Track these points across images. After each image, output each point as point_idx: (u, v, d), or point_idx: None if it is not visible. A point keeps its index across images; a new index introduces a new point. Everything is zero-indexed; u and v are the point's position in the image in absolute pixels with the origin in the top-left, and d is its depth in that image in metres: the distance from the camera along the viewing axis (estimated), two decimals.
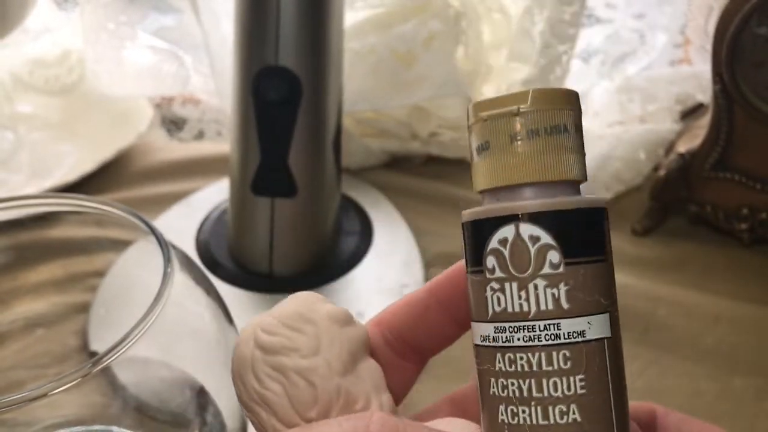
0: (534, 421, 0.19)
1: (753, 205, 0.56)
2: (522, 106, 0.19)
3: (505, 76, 0.68)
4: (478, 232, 0.20)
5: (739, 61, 0.52)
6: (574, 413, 0.19)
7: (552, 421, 0.19)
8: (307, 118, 0.49)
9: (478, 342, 0.20)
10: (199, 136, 0.77)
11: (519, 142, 0.19)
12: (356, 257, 0.55)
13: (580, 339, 0.19)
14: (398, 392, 0.24)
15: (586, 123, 0.69)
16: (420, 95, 0.62)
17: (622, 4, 0.69)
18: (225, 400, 0.31)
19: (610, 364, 0.19)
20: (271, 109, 0.48)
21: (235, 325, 0.32)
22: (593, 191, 0.61)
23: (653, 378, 0.48)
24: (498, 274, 0.19)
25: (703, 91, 0.64)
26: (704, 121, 0.57)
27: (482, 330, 0.20)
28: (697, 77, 0.65)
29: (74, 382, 0.23)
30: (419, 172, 0.67)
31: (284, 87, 0.48)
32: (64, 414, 0.33)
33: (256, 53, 0.48)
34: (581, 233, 0.19)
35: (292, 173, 0.50)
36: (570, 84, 0.68)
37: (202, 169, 0.68)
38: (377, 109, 0.65)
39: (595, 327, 0.19)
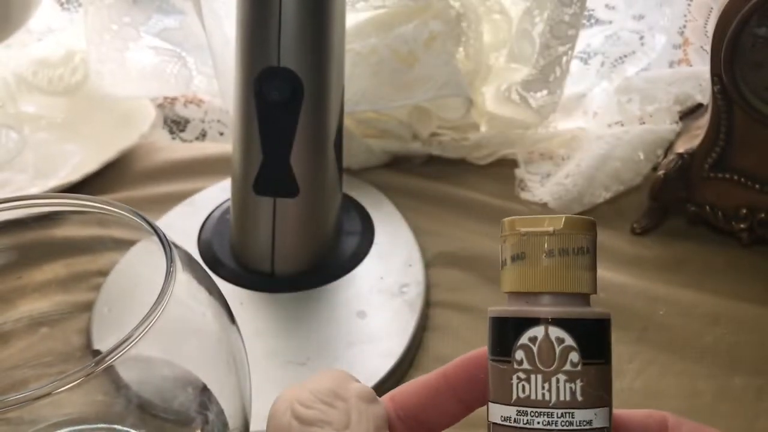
0: None
1: (752, 206, 0.56)
2: (557, 228, 0.23)
3: (505, 76, 0.68)
4: (509, 328, 0.23)
5: (739, 61, 0.52)
6: None
7: None
8: (308, 119, 0.49)
9: (498, 421, 0.23)
10: (202, 136, 0.77)
11: (551, 258, 0.23)
12: (357, 257, 0.55)
13: (587, 427, 0.23)
14: None
15: (586, 123, 0.69)
16: (421, 96, 0.63)
17: (622, 5, 0.69)
18: (227, 398, 0.31)
19: None
20: (273, 110, 0.49)
21: (237, 324, 0.32)
22: (592, 191, 0.61)
23: (652, 377, 0.48)
24: (525, 366, 0.23)
25: (702, 92, 0.64)
26: (703, 122, 0.57)
27: (504, 411, 0.23)
28: (696, 78, 0.65)
29: (78, 381, 0.23)
30: (420, 173, 0.68)
31: (286, 87, 0.48)
32: (68, 412, 0.33)
33: (258, 54, 0.48)
34: (595, 339, 0.23)
35: (294, 173, 0.50)
36: (570, 85, 0.69)
37: (204, 169, 0.68)
38: (378, 109, 0.65)
39: (599, 418, 0.23)
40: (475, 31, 0.64)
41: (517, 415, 0.23)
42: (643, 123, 0.65)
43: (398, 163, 0.69)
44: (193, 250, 0.55)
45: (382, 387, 0.45)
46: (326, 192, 0.53)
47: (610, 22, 0.70)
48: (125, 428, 0.33)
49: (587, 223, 0.24)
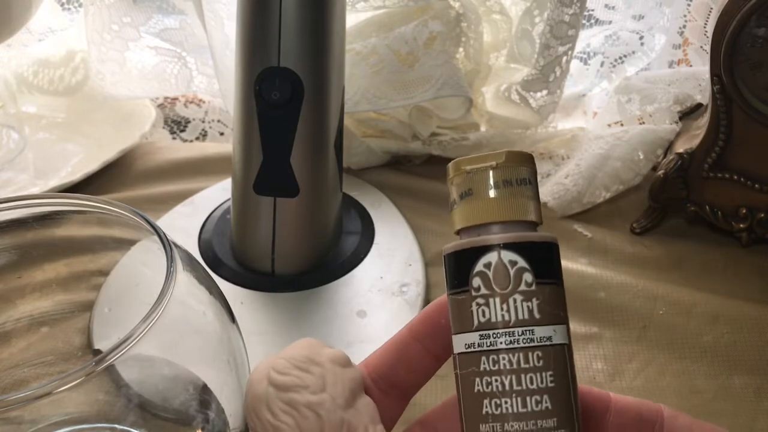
0: (515, 410, 0.23)
1: (751, 205, 0.56)
2: (499, 162, 0.24)
3: (505, 76, 0.68)
4: (463, 260, 0.24)
5: (738, 62, 0.52)
6: (546, 402, 0.23)
7: (529, 409, 0.23)
8: (308, 119, 0.49)
9: (462, 350, 0.24)
10: (202, 136, 0.77)
11: (497, 189, 0.24)
12: (357, 256, 0.55)
13: (548, 343, 0.24)
14: (386, 425, 0.28)
15: (586, 123, 0.69)
16: (421, 96, 0.63)
17: (622, 6, 0.69)
18: (227, 397, 0.31)
19: (569, 364, 0.24)
20: (274, 110, 0.49)
21: (237, 324, 0.32)
22: (592, 191, 0.61)
23: (652, 377, 0.48)
24: (483, 291, 0.24)
25: (702, 92, 0.64)
26: (703, 122, 0.57)
27: (467, 339, 0.24)
28: (695, 78, 0.65)
29: (78, 381, 0.23)
30: (420, 172, 0.68)
31: (286, 88, 0.48)
32: (69, 412, 0.34)
33: (259, 54, 0.48)
34: (545, 260, 0.24)
35: (294, 173, 0.50)
36: (570, 85, 0.69)
37: (205, 169, 0.68)
38: (378, 109, 0.65)
39: (558, 334, 0.24)
40: (475, 32, 0.64)
41: (480, 339, 0.24)
42: (643, 123, 0.65)
43: (398, 162, 0.69)
44: (194, 249, 0.56)
45: None
46: (326, 192, 0.53)
47: (610, 22, 0.71)
48: (126, 427, 0.33)
49: (527, 156, 0.25)
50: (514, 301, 0.23)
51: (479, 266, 0.24)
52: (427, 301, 0.53)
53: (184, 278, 0.28)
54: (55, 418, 0.33)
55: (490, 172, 0.24)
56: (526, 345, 0.23)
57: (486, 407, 0.23)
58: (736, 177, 0.56)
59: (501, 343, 0.23)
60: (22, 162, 0.69)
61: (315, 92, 0.49)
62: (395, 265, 0.55)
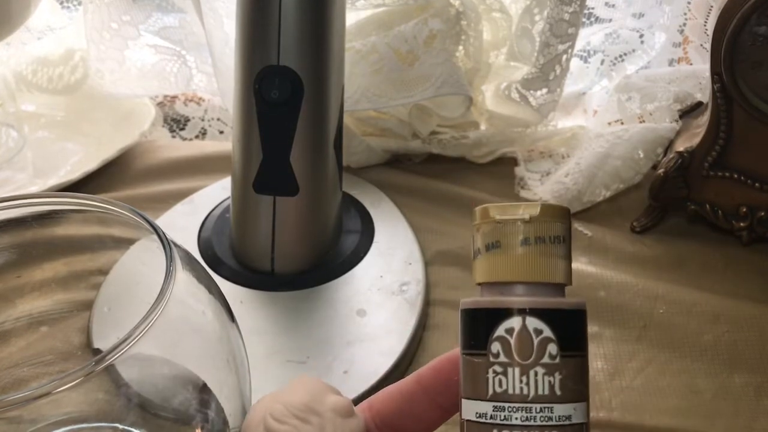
0: None
1: (752, 204, 0.56)
2: (533, 215, 0.22)
3: (505, 75, 0.68)
4: (483, 319, 0.23)
5: (738, 60, 0.52)
6: None
7: None
8: (308, 117, 0.49)
9: (472, 418, 0.22)
10: (202, 134, 0.77)
11: (527, 246, 0.22)
12: (357, 255, 0.55)
13: (566, 422, 0.22)
14: None
15: (586, 122, 0.69)
16: (421, 94, 0.63)
17: (622, 4, 0.69)
18: (227, 397, 0.31)
19: None
20: (273, 109, 0.49)
21: (236, 323, 0.32)
22: (592, 190, 0.61)
23: (652, 376, 0.48)
24: (502, 359, 0.22)
25: (702, 90, 0.64)
26: (703, 120, 0.57)
27: (479, 408, 0.22)
28: (696, 76, 0.65)
29: (78, 380, 0.23)
30: (420, 171, 0.68)
31: (286, 86, 0.48)
32: (68, 411, 0.34)
33: (258, 53, 0.48)
34: (573, 330, 0.22)
35: (294, 172, 0.50)
36: (570, 83, 0.69)
37: (204, 167, 0.68)
38: (378, 108, 0.65)
39: (578, 413, 0.22)
40: (475, 30, 0.64)
41: (493, 411, 0.22)
42: (643, 121, 0.65)
43: (398, 161, 0.69)
44: (193, 248, 0.55)
45: (382, 385, 0.45)
46: (326, 190, 0.53)
47: (610, 21, 0.71)
48: (125, 427, 0.33)
49: (563, 211, 0.23)
50: (535, 374, 0.22)
51: (500, 330, 0.22)
52: (426, 300, 0.53)
53: (183, 277, 0.28)
54: (55, 418, 0.33)
55: (522, 226, 0.22)
56: (543, 423, 0.21)
57: None
58: (736, 176, 0.56)
59: (516, 418, 0.22)
60: (21, 161, 0.68)
61: (315, 91, 0.49)
62: (395, 264, 0.55)
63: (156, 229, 0.29)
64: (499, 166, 0.67)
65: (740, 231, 0.57)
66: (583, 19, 0.64)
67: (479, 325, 0.23)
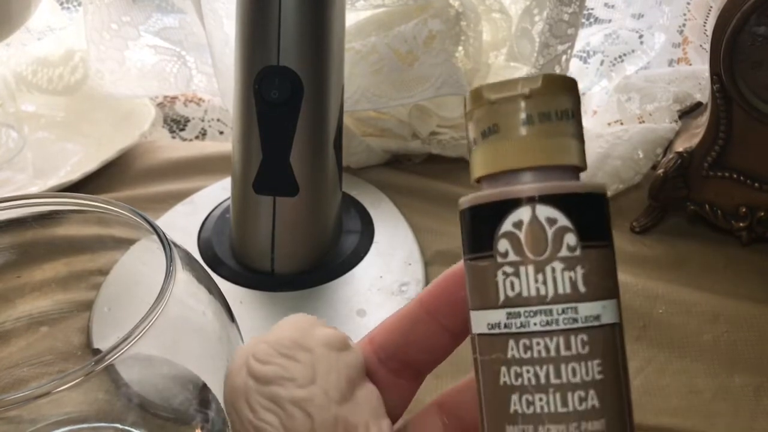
0: (553, 409, 0.18)
1: (751, 204, 0.56)
2: (534, 89, 0.19)
3: (504, 75, 0.68)
4: (486, 216, 0.19)
5: (738, 60, 0.52)
6: (593, 399, 0.18)
7: (571, 408, 0.18)
8: (308, 118, 0.49)
9: (484, 331, 0.19)
10: (202, 135, 0.77)
11: (531, 126, 0.19)
12: (357, 256, 0.55)
13: (596, 323, 0.18)
14: (396, 411, 0.24)
15: (586, 122, 0.69)
16: (420, 95, 0.63)
17: (621, 4, 0.69)
18: None
19: (621, 351, 0.19)
20: (273, 109, 0.49)
21: (236, 323, 0.32)
22: None
23: (651, 376, 0.48)
24: (512, 257, 0.19)
25: (702, 91, 0.64)
26: (702, 121, 0.57)
27: (490, 317, 0.19)
28: (695, 77, 0.65)
29: (78, 380, 0.23)
30: (420, 171, 0.68)
31: (286, 86, 0.48)
32: (68, 411, 0.34)
33: (258, 53, 0.48)
34: (594, 217, 0.19)
35: (294, 172, 0.50)
36: None
37: (204, 168, 0.68)
38: (378, 108, 0.65)
39: (608, 312, 0.19)
40: (475, 30, 0.64)
41: (507, 318, 0.19)
42: (643, 122, 0.65)
43: (398, 161, 0.69)
44: (193, 249, 0.55)
45: None
46: (326, 191, 0.53)
47: (610, 21, 0.70)
48: (125, 427, 0.33)
49: (570, 82, 0.19)
50: (553, 270, 0.18)
51: (507, 225, 0.19)
52: None
53: (183, 277, 0.28)
54: (55, 418, 0.33)
55: (522, 103, 0.19)
56: (568, 327, 0.18)
57: (514, 405, 0.19)
58: (736, 176, 0.56)
59: (535, 324, 0.18)
60: (21, 161, 0.68)
61: (314, 91, 0.49)
62: (395, 265, 0.55)
63: (156, 230, 0.29)
64: None
65: (740, 231, 0.57)
66: (583, 20, 0.64)
67: (482, 224, 0.20)
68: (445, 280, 0.23)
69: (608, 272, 0.19)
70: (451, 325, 0.23)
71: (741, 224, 0.56)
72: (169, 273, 0.27)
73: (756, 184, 0.55)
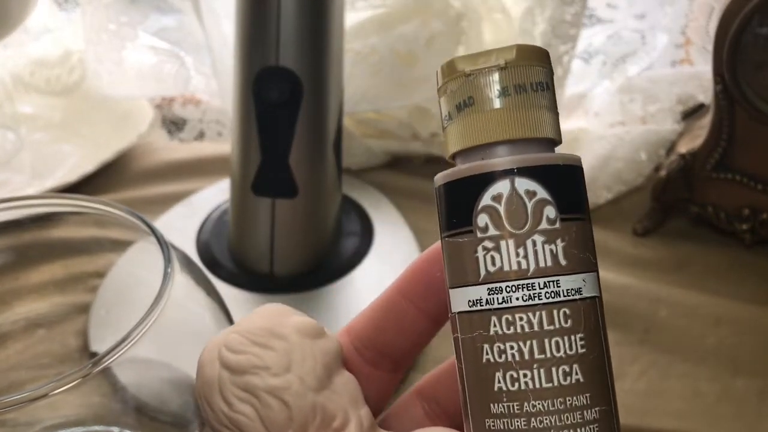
0: (537, 385, 0.18)
1: (754, 206, 0.56)
2: (509, 60, 0.19)
3: None
4: (464, 191, 0.19)
5: (741, 61, 0.52)
6: (576, 373, 0.18)
7: (556, 383, 0.18)
8: (307, 119, 0.49)
9: (464, 309, 0.19)
10: (200, 136, 0.77)
11: (506, 98, 0.19)
12: (357, 258, 0.55)
13: (577, 297, 0.19)
14: (376, 404, 0.23)
15: (587, 123, 0.69)
16: (421, 95, 0.62)
17: (623, 5, 0.69)
18: None
19: (602, 323, 0.19)
20: (272, 110, 0.48)
21: None
22: (594, 192, 0.61)
23: (654, 379, 0.48)
24: (491, 232, 0.19)
25: (705, 92, 0.64)
26: (705, 122, 0.57)
27: (471, 294, 0.19)
28: (698, 77, 0.65)
29: (75, 383, 0.23)
30: (420, 173, 0.67)
31: (285, 87, 0.48)
32: (65, 414, 0.33)
33: (257, 54, 0.48)
34: (571, 189, 0.19)
35: (293, 174, 0.50)
36: (571, 85, 0.69)
37: (202, 169, 0.68)
38: (378, 109, 0.65)
39: (588, 285, 0.19)
40: (476, 31, 0.63)
41: (488, 294, 0.18)
42: (645, 123, 0.65)
43: (398, 163, 0.69)
44: (192, 251, 0.55)
45: None
46: (325, 193, 0.52)
47: (612, 22, 0.70)
48: (122, 430, 0.33)
49: (542, 52, 0.19)
50: (534, 243, 0.18)
51: (486, 199, 0.19)
52: None
53: (181, 280, 0.28)
54: (51, 421, 0.33)
55: (497, 74, 0.19)
56: (550, 300, 0.18)
57: (498, 382, 0.18)
58: (739, 177, 0.55)
59: (517, 299, 0.18)
60: (18, 163, 0.68)
61: (314, 92, 0.48)
62: (395, 266, 0.54)
63: (154, 232, 0.29)
64: None
65: (743, 233, 0.57)
66: (585, 20, 0.64)
67: (460, 199, 0.19)
68: (420, 262, 0.23)
69: (587, 245, 0.19)
70: (429, 308, 0.23)
71: (744, 226, 0.56)
72: (166, 275, 0.27)
73: (759, 186, 0.55)
